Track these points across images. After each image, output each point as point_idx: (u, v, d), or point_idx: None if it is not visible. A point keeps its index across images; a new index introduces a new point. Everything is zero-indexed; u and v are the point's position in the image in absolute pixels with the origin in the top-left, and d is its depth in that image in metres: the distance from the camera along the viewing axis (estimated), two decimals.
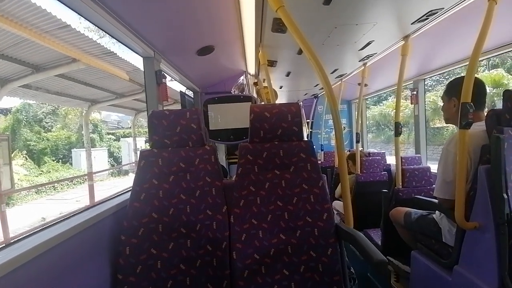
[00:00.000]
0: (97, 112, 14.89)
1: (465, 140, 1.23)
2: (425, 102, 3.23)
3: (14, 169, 7.34)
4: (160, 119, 1.30)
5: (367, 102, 5.46)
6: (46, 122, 14.99)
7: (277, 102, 3.24)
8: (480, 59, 1.68)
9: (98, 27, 1.42)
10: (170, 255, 1.19)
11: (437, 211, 1.54)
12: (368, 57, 2.65)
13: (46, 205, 9.11)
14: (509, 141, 1.14)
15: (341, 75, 3.49)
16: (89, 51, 4.04)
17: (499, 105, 1.29)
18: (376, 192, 2.42)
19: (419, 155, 2.92)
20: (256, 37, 2.07)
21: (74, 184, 12.29)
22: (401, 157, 2.24)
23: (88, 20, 1.35)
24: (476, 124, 1.31)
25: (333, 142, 5.37)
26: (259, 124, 1.32)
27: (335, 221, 1.27)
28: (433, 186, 1.54)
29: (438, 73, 2.94)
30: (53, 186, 11.35)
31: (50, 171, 12.97)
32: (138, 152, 1.32)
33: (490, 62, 10.55)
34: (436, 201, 1.51)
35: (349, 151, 3.93)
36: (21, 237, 0.90)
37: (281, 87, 4.34)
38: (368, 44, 2.24)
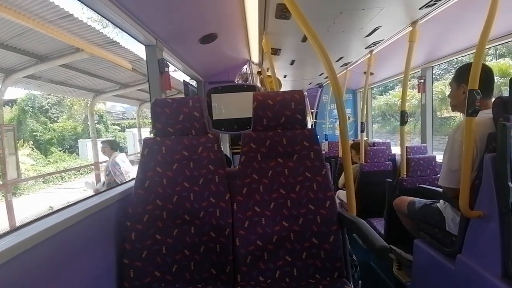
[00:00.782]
0: (102, 103, 14.98)
1: (472, 128, 1.21)
2: (432, 91, 3.17)
3: (20, 159, 7.46)
4: (163, 107, 1.30)
5: (372, 91, 5.38)
6: (52, 113, 15.14)
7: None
8: (487, 46, 1.63)
9: (100, 14, 1.41)
10: (174, 241, 1.21)
11: (441, 200, 1.53)
12: (374, 44, 2.59)
13: (54, 194, 9.29)
14: None
15: (346, 64, 3.43)
16: (92, 40, 4.03)
17: (506, 94, 1.26)
18: (380, 182, 2.42)
19: (425, 144, 2.89)
20: (259, 24, 2.04)
21: (81, 174, 12.49)
22: (406, 146, 2.22)
23: (90, 8, 1.34)
24: (483, 112, 1.29)
25: (337, 132, 5.34)
26: (262, 112, 1.32)
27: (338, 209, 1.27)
28: (438, 175, 1.53)
29: (446, 60, 2.87)
30: (60, 176, 11.56)
31: (57, 161, 13.19)
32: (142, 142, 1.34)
33: (498, 51, 10.29)
34: (440, 190, 1.50)
35: (353, 140, 3.91)
36: (29, 221, 0.92)
37: (285, 76, 4.30)
38: (375, 30, 2.19)
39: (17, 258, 0.75)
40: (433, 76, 3.26)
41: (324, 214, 1.22)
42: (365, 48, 2.75)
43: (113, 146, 3.83)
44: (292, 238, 1.22)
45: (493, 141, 1.19)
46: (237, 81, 3.56)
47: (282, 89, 4.51)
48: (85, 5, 1.30)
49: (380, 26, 2.13)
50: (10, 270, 0.73)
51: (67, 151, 14.46)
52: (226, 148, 3.60)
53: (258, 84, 3.50)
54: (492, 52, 10.25)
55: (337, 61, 3.20)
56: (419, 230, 1.68)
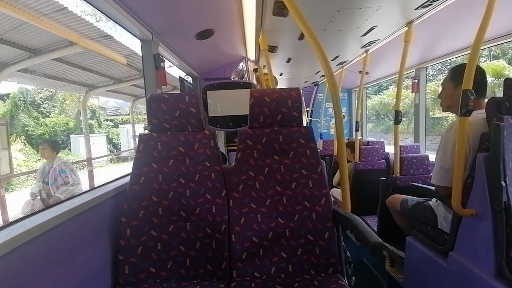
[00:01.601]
0: (95, 98, 14.77)
1: (465, 128, 1.23)
2: (426, 91, 3.21)
3: (13, 154, 7.32)
4: (159, 103, 1.30)
5: (367, 91, 5.43)
6: (44, 108, 14.88)
7: None
8: (482, 47, 1.66)
9: (95, 7, 1.39)
10: (170, 237, 1.21)
11: (433, 198, 1.56)
12: (370, 43, 2.61)
13: None
14: (508, 129, 1.14)
15: (342, 62, 3.45)
16: (86, 34, 3.96)
17: (500, 95, 1.28)
18: (374, 180, 2.44)
19: (418, 143, 2.92)
20: (256, 20, 2.03)
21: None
22: (400, 145, 2.25)
23: (85, 1, 1.31)
24: (476, 112, 1.31)
25: (332, 131, 5.37)
26: (258, 109, 1.32)
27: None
28: (431, 174, 1.55)
29: (440, 61, 2.90)
30: None
31: None
32: (137, 138, 1.32)
33: (492, 53, 10.45)
34: (433, 188, 1.53)
35: (348, 139, 3.94)
36: (22, 216, 0.90)
37: (281, 74, 4.30)
38: (371, 29, 2.20)
39: (10, 254, 0.74)
40: (427, 76, 3.30)
41: (320, 211, 1.23)
42: (361, 48, 2.77)
43: (55, 147, 3.20)
44: (287, 235, 1.22)
45: (486, 140, 1.21)
46: (233, 78, 3.55)
47: (278, 86, 4.51)
48: None
49: (376, 26, 2.14)
50: (2, 267, 0.72)
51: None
52: (221, 146, 3.59)
53: (254, 82, 3.49)
54: (486, 54, 10.41)
55: (333, 59, 3.21)
56: (412, 227, 1.71)
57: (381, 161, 3.01)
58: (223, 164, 1.35)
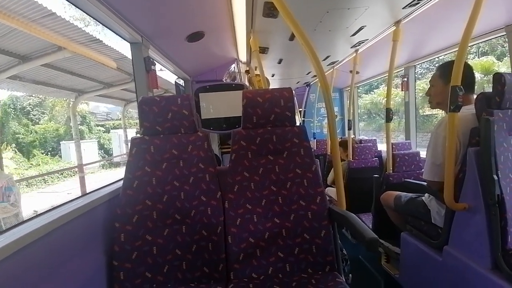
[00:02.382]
0: (85, 103, 14.57)
1: (455, 123, 1.25)
2: (415, 89, 3.26)
3: (4, 163, 7.15)
4: (150, 106, 1.28)
5: (358, 90, 5.49)
6: (33, 115, 14.61)
7: None
8: (470, 44, 1.69)
9: (83, 11, 1.37)
10: (165, 241, 1.19)
11: (426, 194, 1.58)
12: (360, 43, 2.64)
13: (37, 198, 8.96)
14: (498, 123, 1.16)
15: (333, 62, 3.48)
16: (74, 38, 3.91)
17: (489, 91, 1.31)
18: (367, 178, 2.47)
19: (409, 141, 2.97)
20: (247, 22, 2.04)
21: (64, 177, 12.11)
22: (391, 143, 2.27)
23: (73, 4, 1.30)
24: (465, 108, 1.33)
25: (325, 131, 5.41)
26: (252, 110, 1.32)
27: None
28: (422, 170, 1.57)
29: (428, 59, 2.96)
30: (43, 179, 11.18)
31: (39, 164, 12.75)
32: (129, 143, 1.31)
33: (480, 49, 10.64)
34: (425, 184, 1.55)
35: (341, 138, 3.97)
36: (12, 225, 0.88)
37: (273, 75, 4.31)
38: (360, 29, 2.23)
39: (1, 264, 0.72)
40: (415, 75, 3.35)
41: (315, 209, 1.24)
42: (351, 47, 2.80)
43: None
44: (284, 234, 1.22)
45: (476, 135, 1.23)
46: (225, 80, 3.55)
47: (270, 88, 4.52)
48: (69, 1, 1.26)
49: (365, 26, 2.17)
50: None
51: (49, 153, 13.98)
52: (215, 148, 3.58)
53: (247, 83, 3.49)
54: (475, 51, 10.60)
55: (324, 60, 3.24)
56: (406, 223, 1.73)
57: (374, 159, 3.05)
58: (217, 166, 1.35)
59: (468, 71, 1.37)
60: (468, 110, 1.34)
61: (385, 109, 2.27)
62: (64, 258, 0.96)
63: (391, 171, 2.17)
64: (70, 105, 8.38)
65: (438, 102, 1.56)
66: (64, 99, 12.46)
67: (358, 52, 2.86)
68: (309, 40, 1.22)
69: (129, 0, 1.46)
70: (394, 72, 2.33)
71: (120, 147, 14.59)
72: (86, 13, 1.39)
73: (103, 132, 16.58)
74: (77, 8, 1.35)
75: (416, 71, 3.31)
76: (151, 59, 1.90)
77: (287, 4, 1.23)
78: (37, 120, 14.76)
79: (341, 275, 1.18)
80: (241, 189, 1.26)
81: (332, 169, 1.50)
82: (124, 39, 1.78)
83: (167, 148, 1.28)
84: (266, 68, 3.39)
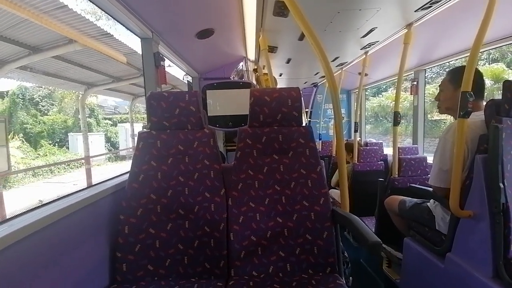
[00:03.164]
0: (94, 96, 14.74)
1: (464, 129, 1.23)
2: (424, 93, 3.22)
3: (11, 152, 7.28)
4: (159, 101, 1.29)
5: (366, 92, 5.45)
6: (42, 106, 14.83)
7: None
8: (481, 50, 1.66)
9: (96, 5, 1.39)
10: (168, 235, 1.21)
11: (431, 200, 1.56)
12: (370, 45, 2.62)
13: (43, 188, 9.12)
14: (507, 131, 1.15)
15: (341, 64, 3.46)
16: (86, 31, 3.96)
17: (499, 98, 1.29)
18: (372, 181, 2.45)
19: (416, 145, 2.93)
20: (257, 20, 2.04)
21: (71, 168, 12.29)
22: (398, 147, 2.25)
23: None
24: (475, 114, 1.31)
25: (331, 132, 5.38)
26: (259, 108, 1.32)
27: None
28: (429, 175, 1.55)
29: (439, 63, 2.91)
30: (50, 170, 11.37)
31: (46, 154, 12.95)
32: (136, 137, 1.32)
33: (491, 56, 10.49)
34: (430, 189, 1.53)
35: (347, 140, 3.95)
36: (20, 213, 0.90)
37: (281, 75, 4.30)
38: (371, 31, 2.21)
39: (7, 250, 0.74)
40: (425, 79, 3.31)
41: (318, 210, 1.24)
42: (361, 49, 2.78)
43: None
44: (286, 234, 1.23)
45: (485, 142, 1.21)
46: (233, 77, 3.55)
47: (278, 87, 4.51)
48: None
49: (376, 27, 2.15)
50: None
51: (57, 144, 14.20)
52: (220, 145, 3.59)
53: (254, 82, 3.50)
54: (485, 57, 10.45)
55: (332, 60, 3.22)
56: (409, 228, 1.71)
57: (379, 162, 3.02)
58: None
59: (478, 77, 1.35)
60: (478, 116, 1.33)
61: (392, 113, 2.24)
62: (69, 247, 0.97)
63: (396, 175, 2.16)
64: (79, 98, 8.50)
65: (448, 107, 1.54)
66: (73, 91, 12.61)
67: (368, 54, 2.84)
68: (319, 40, 1.22)
69: None
70: (404, 74, 2.30)
71: (126, 141, 14.73)
72: (99, 7, 1.41)
73: (110, 126, 16.76)
74: (89, 2, 1.37)
75: (425, 75, 3.27)
76: (161, 55, 1.91)
77: (298, 3, 1.23)
78: (45, 111, 14.98)
79: (342, 277, 1.18)
80: (245, 187, 1.27)
81: (337, 171, 1.49)
82: (135, 34, 1.79)
83: (173, 143, 1.29)
84: (274, 67, 3.38)
